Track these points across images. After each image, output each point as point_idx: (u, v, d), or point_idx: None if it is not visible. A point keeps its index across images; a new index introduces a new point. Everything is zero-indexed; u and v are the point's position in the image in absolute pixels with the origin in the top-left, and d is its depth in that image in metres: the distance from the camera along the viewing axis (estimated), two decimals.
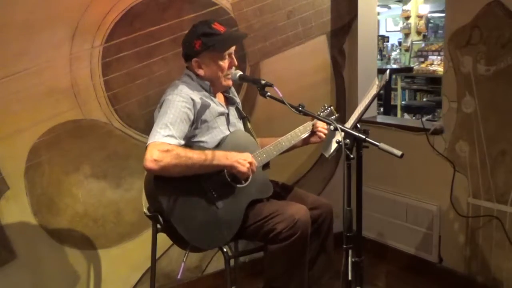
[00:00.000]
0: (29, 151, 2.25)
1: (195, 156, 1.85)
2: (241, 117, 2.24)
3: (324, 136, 2.23)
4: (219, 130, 2.06)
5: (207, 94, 2.06)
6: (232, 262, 2.07)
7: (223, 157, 1.90)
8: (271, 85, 1.95)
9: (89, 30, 2.33)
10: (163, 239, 2.04)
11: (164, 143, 1.81)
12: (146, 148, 1.82)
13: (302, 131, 2.22)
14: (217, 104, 2.08)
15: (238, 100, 2.27)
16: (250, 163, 1.92)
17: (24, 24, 2.16)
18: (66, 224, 2.39)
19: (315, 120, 2.22)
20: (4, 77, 2.15)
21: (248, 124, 2.25)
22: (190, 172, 1.86)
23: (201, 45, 1.99)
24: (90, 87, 2.37)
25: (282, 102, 1.88)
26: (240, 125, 2.21)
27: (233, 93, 2.25)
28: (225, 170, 1.96)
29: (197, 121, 1.99)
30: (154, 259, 2.20)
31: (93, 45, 2.35)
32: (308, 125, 2.23)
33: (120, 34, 2.41)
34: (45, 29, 2.22)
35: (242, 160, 1.91)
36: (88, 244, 2.47)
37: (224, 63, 2.04)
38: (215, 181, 1.95)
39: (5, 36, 2.13)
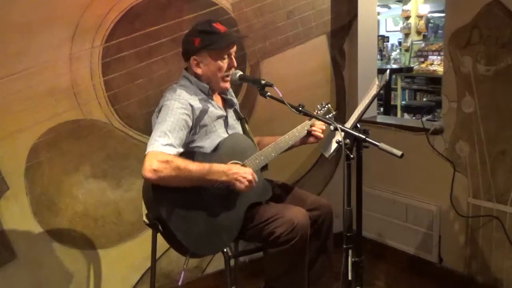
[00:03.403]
0: (29, 151, 2.25)
1: (194, 169, 1.83)
2: (238, 118, 2.23)
3: (321, 135, 2.22)
4: (217, 134, 2.05)
5: (205, 97, 2.05)
6: (232, 262, 2.07)
7: (223, 173, 1.87)
8: (271, 85, 1.95)
9: (89, 30, 2.33)
10: (163, 239, 2.03)
11: (163, 153, 1.79)
12: (145, 156, 1.81)
13: (299, 131, 2.21)
14: (215, 108, 2.07)
15: (235, 100, 2.26)
16: (250, 181, 1.89)
17: (24, 24, 2.16)
18: (66, 224, 2.39)
19: (312, 120, 2.22)
20: (4, 77, 2.15)
21: (246, 125, 2.24)
22: (188, 184, 1.85)
23: (200, 42, 1.97)
24: (90, 87, 2.37)
25: (282, 102, 1.88)
26: (238, 126, 2.20)
27: (231, 93, 2.24)
28: None
29: (196, 127, 1.98)
30: (154, 259, 2.20)
31: (93, 45, 2.35)
32: (306, 125, 2.23)
33: (120, 34, 2.41)
34: (45, 29, 2.21)
35: (241, 178, 1.88)
36: (88, 244, 2.46)
37: (223, 63, 2.03)
38: (213, 187, 1.94)
39: (5, 36, 2.13)
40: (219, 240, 1.94)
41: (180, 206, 1.86)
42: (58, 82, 2.28)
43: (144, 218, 2.04)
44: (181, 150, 1.88)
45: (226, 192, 1.95)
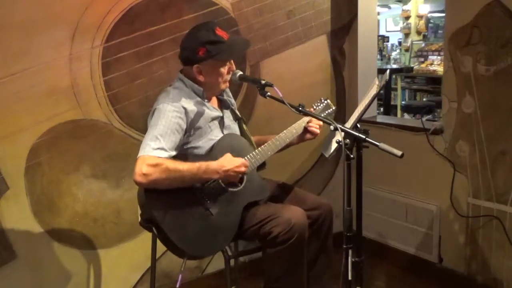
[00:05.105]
0: (29, 151, 2.25)
1: (185, 169, 1.83)
2: (236, 118, 2.21)
3: (317, 131, 2.21)
4: (212, 135, 2.03)
5: (200, 100, 2.03)
6: (232, 262, 2.07)
7: (214, 172, 1.88)
8: (271, 85, 1.95)
9: (89, 30, 2.33)
10: None
11: (153, 157, 1.80)
12: (136, 161, 1.81)
13: (297, 129, 2.18)
14: (210, 109, 2.05)
15: (233, 101, 2.25)
16: (242, 172, 1.93)
17: (24, 24, 2.16)
18: (66, 224, 2.39)
19: (309, 117, 2.20)
20: (4, 77, 2.15)
21: (244, 125, 2.22)
22: (180, 185, 1.85)
23: (205, 53, 1.94)
24: (90, 87, 2.37)
25: (282, 102, 1.88)
26: (235, 127, 2.18)
27: (228, 94, 2.22)
28: None
29: (190, 129, 1.97)
30: (154, 259, 2.20)
31: (93, 45, 2.35)
32: (303, 122, 2.19)
33: (120, 34, 2.41)
34: (45, 29, 2.21)
35: (233, 173, 1.91)
36: (88, 244, 2.46)
37: (225, 69, 2.03)
38: (207, 188, 1.93)
39: (5, 36, 2.13)
40: (215, 242, 1.92)
41: (174, 208, 1.85)
42: (58, 82, 2.28)
43: (140, 220, 2.04)
44: (174, 153, 1.88)
45: (221, 192, 1.95)
